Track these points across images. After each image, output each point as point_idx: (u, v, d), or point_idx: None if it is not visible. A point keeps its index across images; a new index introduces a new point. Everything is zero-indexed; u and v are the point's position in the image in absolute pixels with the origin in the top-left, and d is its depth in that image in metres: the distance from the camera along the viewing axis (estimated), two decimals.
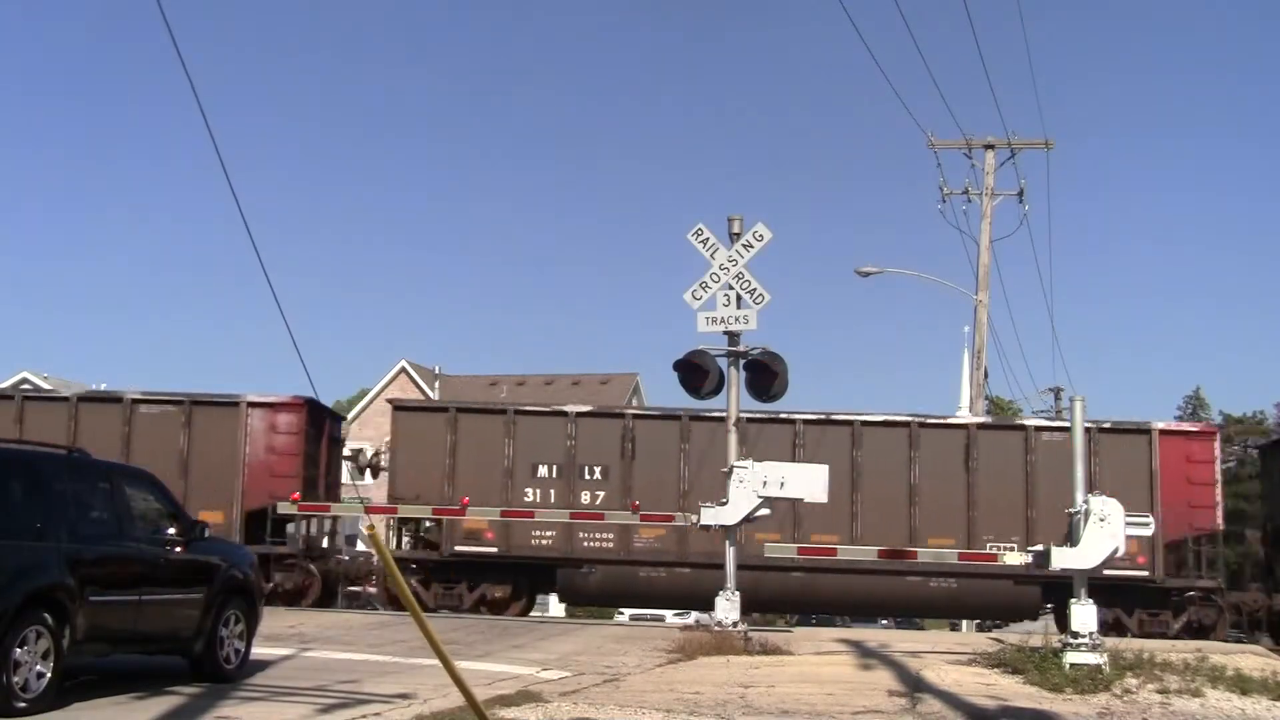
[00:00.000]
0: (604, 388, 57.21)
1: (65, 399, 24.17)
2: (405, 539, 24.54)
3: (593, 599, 26.42)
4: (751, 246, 16.91)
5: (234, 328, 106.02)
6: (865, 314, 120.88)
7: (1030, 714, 10.89)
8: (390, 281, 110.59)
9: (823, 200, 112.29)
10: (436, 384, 57.56)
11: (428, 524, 24.00)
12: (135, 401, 23.59)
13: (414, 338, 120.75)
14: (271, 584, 23.03)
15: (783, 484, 15.91)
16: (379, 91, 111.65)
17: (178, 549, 11.06)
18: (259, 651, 12.57)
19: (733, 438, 17.01)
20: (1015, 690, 12.13)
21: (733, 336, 16.94)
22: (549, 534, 22.99)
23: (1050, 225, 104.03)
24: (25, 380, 46.82)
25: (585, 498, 23.15)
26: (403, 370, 59.10)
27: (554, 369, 61.59)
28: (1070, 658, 12.80)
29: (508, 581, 23.51)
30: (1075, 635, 13.07)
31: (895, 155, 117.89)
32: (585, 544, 23.13)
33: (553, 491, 23.19)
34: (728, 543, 16.67)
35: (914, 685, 12.24)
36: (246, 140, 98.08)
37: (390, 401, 25.38)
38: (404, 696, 10.61)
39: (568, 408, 23.85)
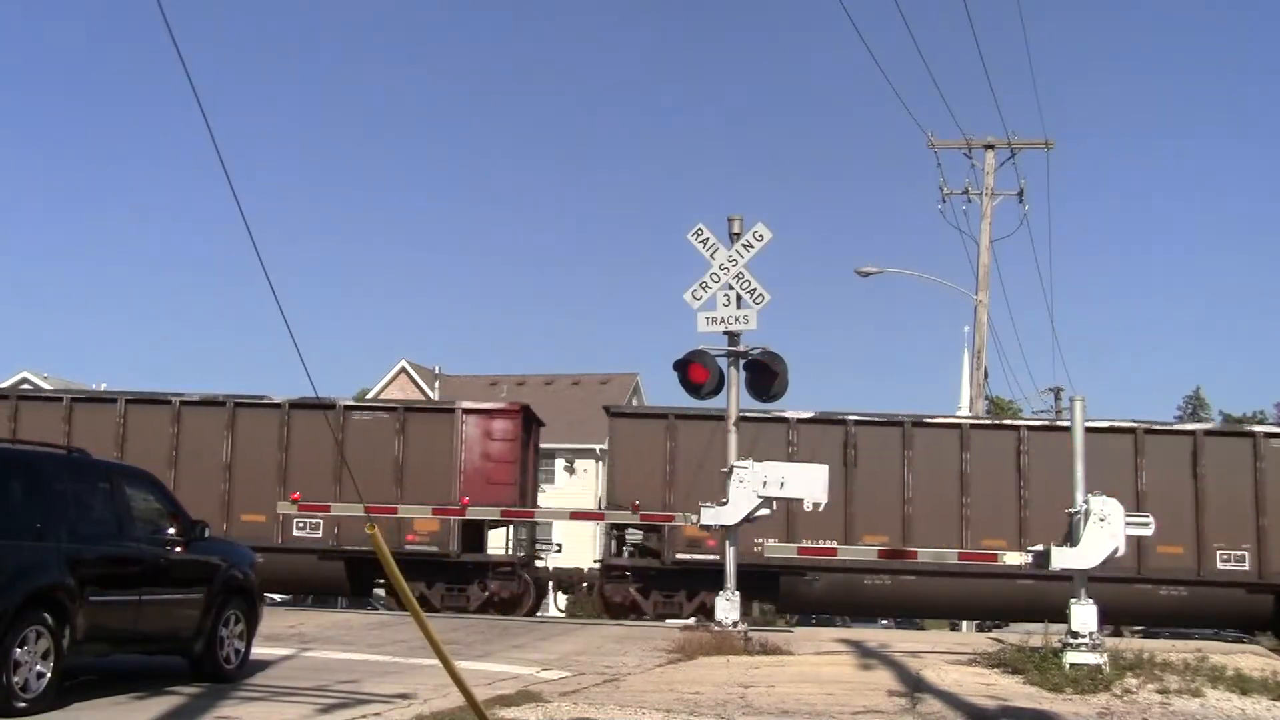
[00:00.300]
0: (604, 388, 57.17)
1: (277, 405, 23.83)
2: (625, 549, 24.09)
3: (814, 607, 25.87)
4: (751, 246, 16.91)
5: (234, 328, 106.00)
6: (865, 314, 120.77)
7: (1030, 714, 10.89)
8: (390, 281, 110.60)
9: (823, 200, 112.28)
10: (436, 384, 57.56)
11: (636, 533, 23.76)
12: (349, 408, 23.79)
13: (414, 338, 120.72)
14: (487, 592, 23.25)
15: (783, 484, 15.93)
16: (379, 92, 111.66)
17: (178, 549, 11.06)
18: (259, 651, 12.57)
19: (732, 438, 17.02)
20: (1015, 690, 12.13)
21: (733, 336, 16.95)
22: (771, 541, 22.60)
23: (1050, 225, 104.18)
24: (25, 380, 46.71)
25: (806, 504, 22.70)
26: (403, 370, 59.07)
27: (554, 369, 61.61)
28: (1070, 658, 12.80)
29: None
30: (1075, 635, 13.08)
31: (895, 155, 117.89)
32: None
33: None
34: (728, 543, 16.69)
35: (914, 685, 12.24)
36: (247, 140, 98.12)
37: (607, 409, 24.70)
38: (404, 696, 10.62)
39: (788, 414, 23.41)
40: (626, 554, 23.99)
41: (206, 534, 11.56)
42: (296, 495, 22.06)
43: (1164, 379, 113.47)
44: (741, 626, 16.38)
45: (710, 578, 22.65)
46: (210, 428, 23.52)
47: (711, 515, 16.31)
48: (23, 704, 8.92)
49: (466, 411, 23.63)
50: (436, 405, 23.84)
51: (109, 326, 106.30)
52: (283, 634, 15.82)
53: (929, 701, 11.22)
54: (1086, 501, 13.48)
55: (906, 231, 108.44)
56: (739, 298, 16.89)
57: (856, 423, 23.05)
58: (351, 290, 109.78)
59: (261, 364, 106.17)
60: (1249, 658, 15.02)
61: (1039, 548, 14.33)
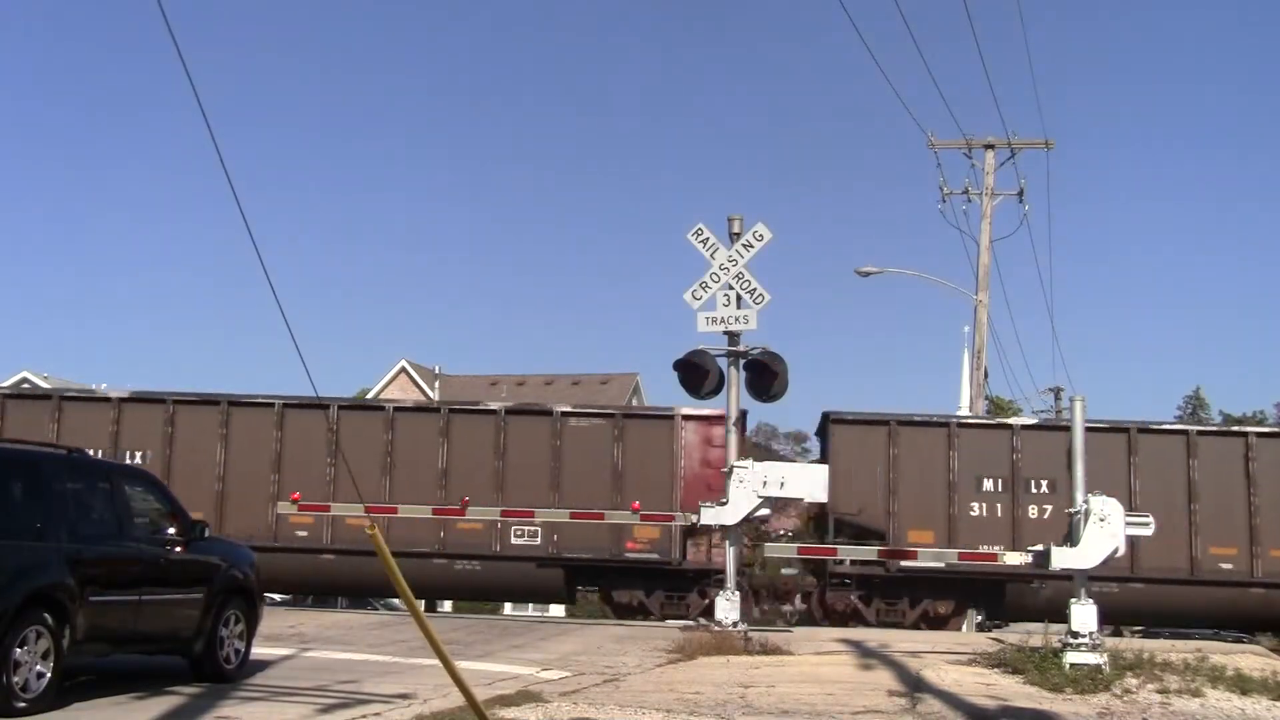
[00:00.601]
0: (604, 388, 57.19)
1: (493, 411, 23.76)
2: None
3: (1040, 615, 25.75)
4: (751, 246, 16.91)
5: (234, 328, 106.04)
6: (865, 314, 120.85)
7: (1030, 714, 10.90)
8: (390, 281, 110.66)
9: (823, 200, 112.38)
10: (436, 384, 57.54)
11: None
12: (565, 414, 23.53)
13: (414, 338, 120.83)
14: (707, 600, 22.67)
15: (783, 484, 15.93)
16: (380, 93, 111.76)
17: (178, 549, 11.06)
18: (259, 651, 12.57)
19: (732, 438, 17.03)
20: (1015, 690, 12.13)
21: (733, 336, 16.95)
22: (997, 550, 22.51)
23: (1050, 225, 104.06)
24: (25, 380, 46.62)
25: (1032, 512, 22.45)
26: (403, 370, 59.05)
27: (554, 369, 61.64)
28: (1070, 658, 12.81)
29: (950, 597, 23.07)
30: (1075, 635, 13.08)
31: (895, 155, 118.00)
32: None
33: (999, 505, 22.57)
34: (728, 543, 16.69)
35: (914, 685, 12.24)
36: (247, 141, 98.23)
37: (828, 414, 24.13)
38: (404, 696, 10.62)
39: (1011, 421, 23.31)
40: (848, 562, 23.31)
41: (206, 534, 11.56)
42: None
43: (1164, 379, 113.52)
44: (741, 626, 16.38)
45: (935, 586, 22.87)
46: (424, 433, 23.31)
47: (712, 515, 16.32)
48: (23, 704, 8.92)
49: (686, 417, 23.26)
50: (655, 411, 23.52)
51: (109, 327, 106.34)
52: (283, 634, 15.82)
53: (929, 701, 11.22)
54: (1086, 501, 13.49)
55: (906, 231, 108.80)
56: (739, 298, 16.89)
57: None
58: (351, 290, 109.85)
59: (261, 364, 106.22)
60: (1249, 658, 15.02)
61: (1039, 548, 14.34)
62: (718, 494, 22.43)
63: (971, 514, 22.54)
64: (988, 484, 22.69)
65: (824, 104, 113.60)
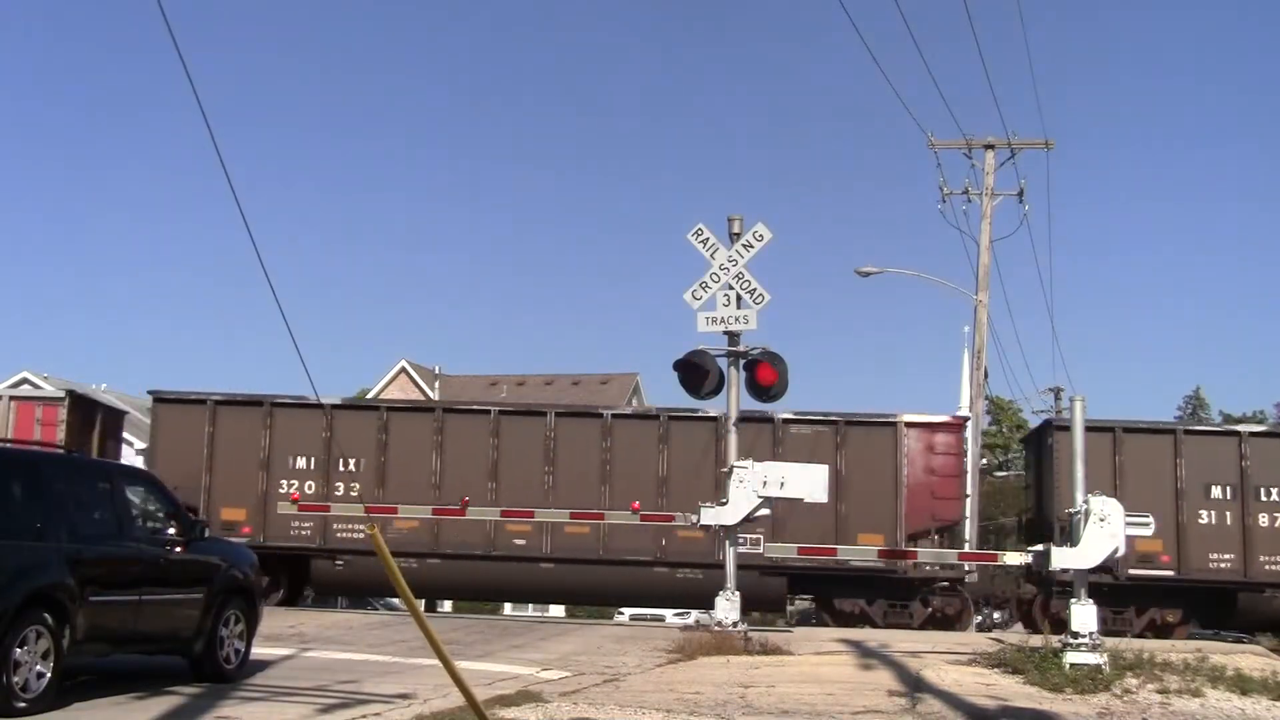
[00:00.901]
0: (604, 388, 57.16)
1: (713, 419, 22.75)
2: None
3: (1273, 625, 24.53)
4: (751, 246, 16.90)
5: (234, 328, 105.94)
6: (865, 314, 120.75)
7: (1030, 714, 10.90)
8: (390, 282, 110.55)
9: (823, 200, 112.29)
10: (436, 384, 57.54)
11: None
12: (786, 421, 23.03)
13: (414, 338, 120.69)
14: (930, 609, 22.80)
15: (783, 484, 15.91)
16: (380, 93, 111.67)
17: (178, 549, 11.06)
18: (259, 651, 12.57)
19: (732, 438, 17.01)
20: (1015, 690, 12.13)
21: (733, 336, 16.93)
22: (1227, 558, 22.11)
23: (1050, 225, 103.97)
24: (25, 380, 46.63)
25: (1263, 520, 22.18)
26: (403, 370, 59.04)
27: (554, 369, 61.58)
28: (1070, 658, 12.81)
29: (1178, 606, 22.82)
30: (1075, 635, 13.09)
31: (895, 155, 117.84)
32: (1268, 567, 22.13)
33: (1228, 514, 22.28)
34: (728, 543, 16.68)
35: (914, 685, 12.24)
36: (247, 141, 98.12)
37: (1049, 422, 23.75)
38: (404, 696, 10.62)
39: (1240, 428, 23.10)
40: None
41: (206, 534, 11.55)
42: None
43: (1164, 379, 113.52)
44: (741, 626, 16.38)
45: (1161, 594, 22.57)
46: (643, 441, 23.11)
47: (712, 515, 16.30)
48: (23, 704, 8.92)
49: (909, 425, 22.88)
50: (877, 419, 23.11)
51: (109, 327, 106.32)
52: (283, 634, 15.82)
53: (929, 701, 11.23)
54: (1086, 501, 13.49)
55: (906, 231, 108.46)
56: (739, 298, 16.88)
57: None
58: (351, 290, 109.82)
59: (262, 364, 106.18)
60: (1249, 658, 15.03)
61: (1039, 548, 14.34)
62: (942, 502, 22.55)
63: (1200, 520, 22.23)
64: (1216, 491, 22.41)
65: (824, 104, 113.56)
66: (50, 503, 9.71)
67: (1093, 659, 12.75)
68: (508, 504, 21.71)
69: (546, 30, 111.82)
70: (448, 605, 30.46)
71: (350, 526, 22.44)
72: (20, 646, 8.91)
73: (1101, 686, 12.09)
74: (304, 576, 23.74)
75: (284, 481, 23.03)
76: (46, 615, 9.19)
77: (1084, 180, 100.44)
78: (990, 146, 32.92)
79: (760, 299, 16.82)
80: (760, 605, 24.81)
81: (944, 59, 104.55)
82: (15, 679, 8.86)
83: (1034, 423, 39.54)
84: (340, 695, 10.68)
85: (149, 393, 24.94)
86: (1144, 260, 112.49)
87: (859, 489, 22.40)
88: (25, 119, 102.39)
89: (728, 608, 16.30)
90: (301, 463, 23.19)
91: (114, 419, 26.00)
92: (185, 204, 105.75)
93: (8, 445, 10.81)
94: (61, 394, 24.41)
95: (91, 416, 24.34)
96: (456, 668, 8.33)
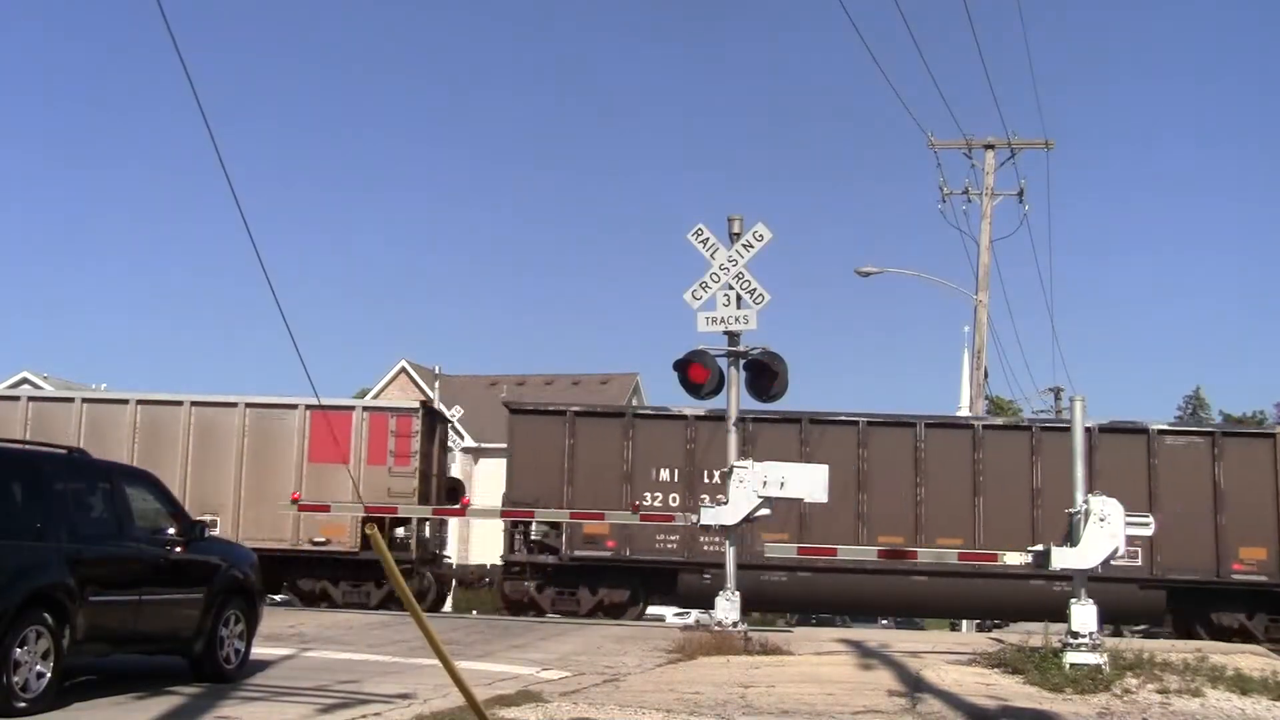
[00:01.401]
0: (604, 388, 57.16)
1: (1089, 429, 22.50)
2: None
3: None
4: (751, 246, 16.91)
5: (234, 328, 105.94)
6: (865, 314, 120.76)
7: (1030, 714, 10.90)
8: (390, 281, 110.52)
9: (823, 200, 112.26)
10: (436, 384, 57.51)
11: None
12: (1161, 433, 22.72)
13: (414, 338, 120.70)
14: None
15: (783, 484, 15.91)
16: (379, 93, 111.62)
17: (178, 549, 11.05)
18: (259, 651, 12.57)
19: (732, 438, 17.02)
20: (1015, 690, 12.13)
21: (733, 336, 16.94)
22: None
23: (1050, 225, 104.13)
24: (25, 380, 46.57)
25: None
26: (403, 370, 59.02)
27: (554, 369, 61.59)
28: (1070, 658, 12.80)
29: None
30: (1075, 635, 13.08)
31: (895, 155, 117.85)
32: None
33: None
34: (728, 543, 16.69)
35: (914, 685, 12.24)
36: (247, 141, 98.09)
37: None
38: (404, 696, 10.62)
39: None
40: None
41: (206, 534, 11.55)
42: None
43: (1164, 379, 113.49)
44: (741, 626, 16.38)
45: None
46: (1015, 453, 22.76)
47: (711, 515, 16.31)
48: (23, 704, 8.92)
49: None
50: (1253, 430, 23.13)
51: (109, 327, 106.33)
52: (283, 634, 15.81)
53: (929, 701, 11.22)
54: (1086, 501, 13.49)
55: (906, 231, 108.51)
56: (739, 298, 16.88)
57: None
58: (351, 290, 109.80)
59: (263, 364, 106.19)
60: (1249, 658, 15.02)
61: (1039, 548, 14.34)
62: None
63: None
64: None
65: (824, 104, 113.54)
66: (50, 502, 9.71)
67: (1093, 659, 12.75)
68: (879, 515, 21.95)
69: (546, 29, 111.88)
70: (448, 605, 30.43)
71: (711, 541, 21.52)
72: (20, 646, 8.91)
73: (1101, 686, 12.08)
74: (668, 589, 23.59)
75: (647, 494, 22.83)
76: (46, 615, 9.18)
77: (1084, 180, 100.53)
78: (990, 146, 32.94)
79: (760, 299, 16.83)
80: (1140, 618, 24.60)
81: (944, 59, 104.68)
82: (15, 679, 8.85)
83: None
84: (340, 695, 10.68)
85: (504, 404, 24.71)
86: (1144, 260, 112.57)
87: (1239, 504, 22.00)
88: (25, 118, 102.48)
89: (728, 607, 16.30)
90: (665, 475, 23.02)
91: (444, 428, 26.27)
92: (185, 203, 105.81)
93: (8, 445, 10.78)
94: (415, 405, 24.41)
95: (433, 426, 24.42)
96: (456, 668, 8.32)
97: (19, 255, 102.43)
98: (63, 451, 10.69)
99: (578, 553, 22.66)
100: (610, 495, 22.50)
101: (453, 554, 33.35)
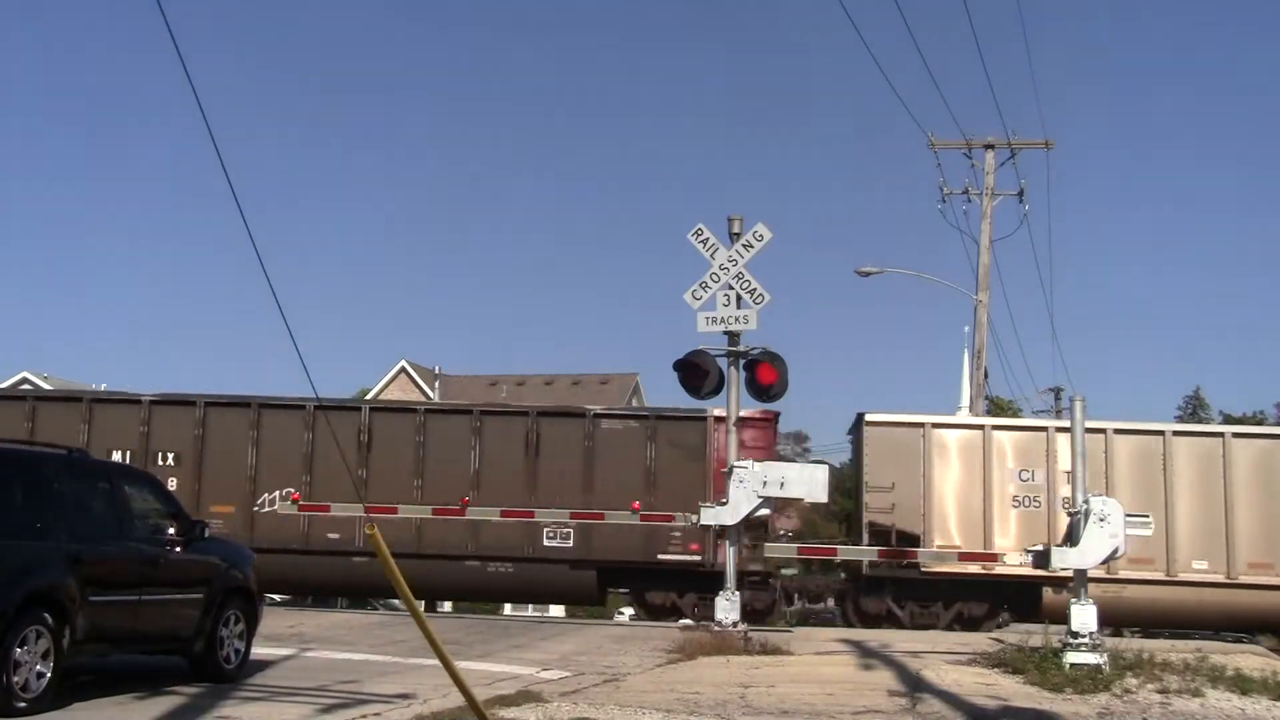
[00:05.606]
0: (604, 388, 57.14)
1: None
2: None
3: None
4: (751, 246, 16.90)
5: (234, 328, 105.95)
6: (865, 314, 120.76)
7: (1030, 714, 10.89)
8: (390, 281, 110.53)
9: (823, 200, 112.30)
10: (436, 384, 57.50)
11: None
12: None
13: (414, 338, 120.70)
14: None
15: (783, 484, 15.91)
16: (379, 96, 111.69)
17: (177, 549, 11.05)
18: (259, 651, 12.57)
19: (732, 438, 17.00)
20: (1015, 690, 12.13)
21: (733, 336, 16.93)
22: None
23: (1050, 225, 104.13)
24: (25, 380, 46.55)
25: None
26: (403, 370, 59.01)
27: (554, 369, 61.59)
28: (1070, 658, 12.80)
29: None
30: (1075, 635, 13.08)
31: (895, 155, 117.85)
32: None
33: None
34: (727, 543, 16.68)
35: (914, 685, 12.24)
36: (247, 141, 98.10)
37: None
38: (404, 696, 10.62)
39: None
40: None
41: (206, 534, 11.55)
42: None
43: (1164, 379, 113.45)
44: (741, 626, 16.37)
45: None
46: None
47: (711, 515, 16.30)
48: (23, 704, 8.91)
49: None
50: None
51: (109, 327, 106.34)
52: (283, 634, 15.81)
53: (929, 701, 11.22)
54: (1086, 501, 13.49)
55: (906, 231, 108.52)
56: (739, 298, 16.87)
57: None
58: (351, 290, 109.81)
59: (263, 364, 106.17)
60: (1249, 658, 15.02)
61: (1039, 547, 14.34)
62: None
63: None
64: None
65: (824, 104, 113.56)
66: (50, 502, 9.70)
67: (1093, 659, 12.75)
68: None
69: (547, 33, 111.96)
70: (447, 605, 30.43)
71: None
72: (20, 646, 8.91)
73: (1101, 686, 12.08)
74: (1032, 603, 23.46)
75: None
76: (46, 615, 9.18)
77: (1084, 180, 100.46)
78: (990, 146, 32.93)
79: (760, 299, 16.82)
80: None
81: (944, 59, 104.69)
82: (15, 679, 8.85)
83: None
84: (340, 695, 10.68)
85: (859, 414, 24.29)
86: (1144, 260, 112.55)
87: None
88: (24, 118, 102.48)
89: (728, 608, 16.30)
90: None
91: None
92: (185, 203, 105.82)
93: (8, 445, 10.78)
94: (771, 415, 24.09)
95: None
96: (456, 668, 8.33)
97: (20, 255, 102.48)
98: (63, 451, 10.69)
99: None
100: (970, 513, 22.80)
101: None
